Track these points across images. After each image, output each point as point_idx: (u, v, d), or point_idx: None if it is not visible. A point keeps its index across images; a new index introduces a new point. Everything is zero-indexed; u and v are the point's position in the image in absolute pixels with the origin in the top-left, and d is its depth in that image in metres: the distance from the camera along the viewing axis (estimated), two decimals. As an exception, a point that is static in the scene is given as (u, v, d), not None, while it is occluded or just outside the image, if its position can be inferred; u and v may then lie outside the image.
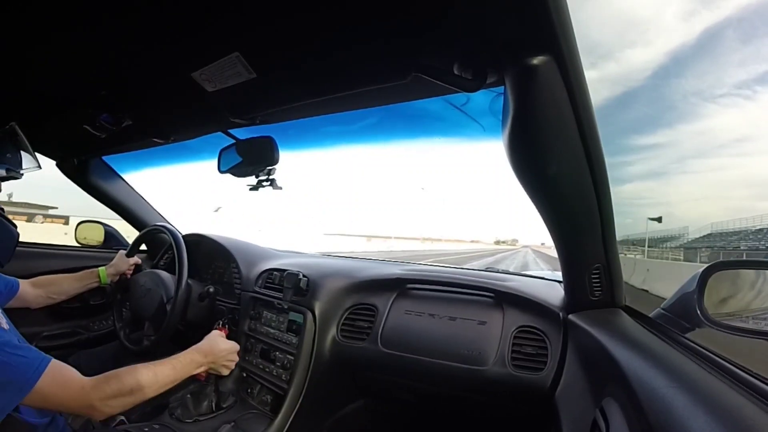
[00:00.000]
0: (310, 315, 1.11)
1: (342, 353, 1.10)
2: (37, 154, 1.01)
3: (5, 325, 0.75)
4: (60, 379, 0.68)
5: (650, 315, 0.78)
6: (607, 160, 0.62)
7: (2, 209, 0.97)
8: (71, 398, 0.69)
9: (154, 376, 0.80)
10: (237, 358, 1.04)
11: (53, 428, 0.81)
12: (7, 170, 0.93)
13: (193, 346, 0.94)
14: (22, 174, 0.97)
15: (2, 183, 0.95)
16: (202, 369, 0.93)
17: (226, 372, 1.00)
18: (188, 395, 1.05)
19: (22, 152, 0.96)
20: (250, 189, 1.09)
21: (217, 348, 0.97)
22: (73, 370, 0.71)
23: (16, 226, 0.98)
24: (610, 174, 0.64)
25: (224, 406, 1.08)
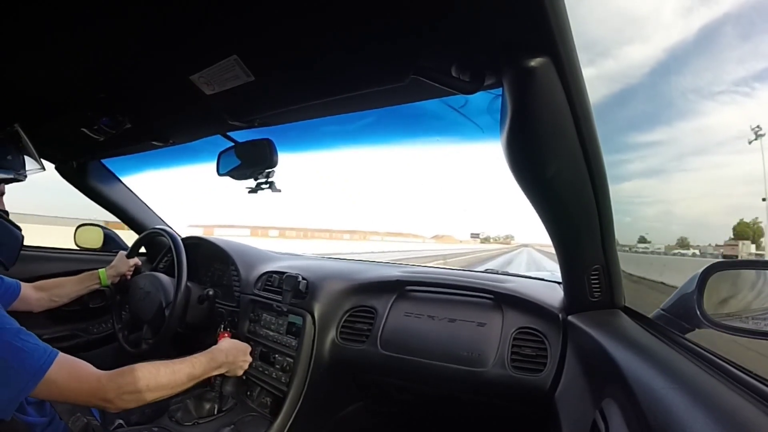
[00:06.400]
0: (309, 317, 1.10)
1: (341, 355, 1.10)
2: None
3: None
4: (74, 369, 0.68)
5: (650, 316, 0.78)
6: (606, 159, 0.62)
7: (7, 213, 0.97)
8: (86, 390, 0.69)
9: (173, 374, 0.80)
10: (250, 359, 1.06)
11: (53, 430, 0.80)
12: (12, 173, 0.93)
13: (213, 347, 0.96)
14: (26, 176, 0.97)
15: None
16: (222, 370, 0.94)
17: (240, 372, 1.03)
18: (190, 398, 1.04)
19: (25, 155, 0.96)
20: (249, 191, 1.09)
21: (236, 349, 1.00)
22: (88, 363, 0.71)
23: (20, 230, 0.98)
24: (609, 173, 0.64)
25: (224, 408, 1.07)
